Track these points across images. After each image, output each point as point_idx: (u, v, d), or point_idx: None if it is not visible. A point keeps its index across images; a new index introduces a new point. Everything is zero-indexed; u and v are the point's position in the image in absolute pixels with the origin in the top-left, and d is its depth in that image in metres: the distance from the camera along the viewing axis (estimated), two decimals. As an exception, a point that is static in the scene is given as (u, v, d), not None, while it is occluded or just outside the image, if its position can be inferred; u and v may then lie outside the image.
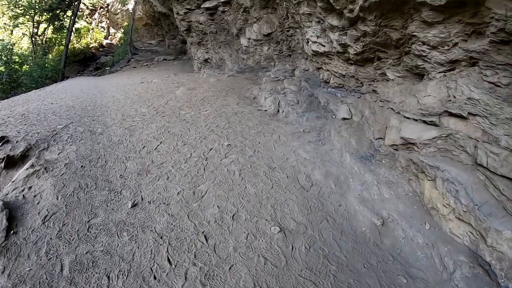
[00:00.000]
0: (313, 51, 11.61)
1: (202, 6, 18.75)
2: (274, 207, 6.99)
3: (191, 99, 13.71)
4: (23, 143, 8.57)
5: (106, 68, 29.18)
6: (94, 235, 5.71)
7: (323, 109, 11.80)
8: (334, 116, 11.08)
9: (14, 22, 30.29)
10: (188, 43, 24.24)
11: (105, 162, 8.24)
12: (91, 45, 37.54)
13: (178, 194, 7.14)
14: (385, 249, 6.19)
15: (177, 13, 20.65)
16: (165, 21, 29.77)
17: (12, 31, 32.49)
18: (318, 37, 11.06)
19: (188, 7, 19.69)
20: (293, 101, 12.42)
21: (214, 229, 6.17)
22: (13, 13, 30.19)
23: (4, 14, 31.56)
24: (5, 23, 32.02)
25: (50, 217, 5.96)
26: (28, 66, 26.82)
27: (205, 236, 5.94)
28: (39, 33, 33.45)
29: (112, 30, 41.75)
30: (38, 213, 6.04)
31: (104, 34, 41.91)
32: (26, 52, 29.19)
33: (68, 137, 9.44)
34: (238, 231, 6.15)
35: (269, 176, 8.13)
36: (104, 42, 39.45)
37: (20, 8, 29.38)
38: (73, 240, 5.53)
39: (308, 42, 11.86)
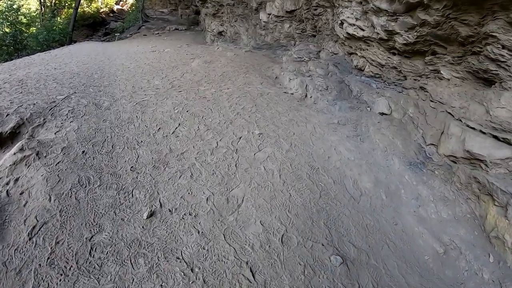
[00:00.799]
0: (347, 34, 10.05)
1: None
2: (327, 225, 5.40)
3: (209, 74, 11.82)
4: (14, 117, 6.78)
5: (116, 34, 27.12)
6: (98, 262, 3.99)
7: (356, 99, 10.21)
8: (369, 109, 9.65)
9: None
10: (202, 14, 22.51)
11: (112, 147, 6.41)
12: (102, 10, 35.19)
13: (207, 200, 5.37)
14: (448, 283, 5.08)
15: None
16: (179, -11, 27.50)
17: None
18: (357, 19, 9.41)
19: None
20: (321, 86, 10.78)
21: (260, 258, 4.46)
22: None
23: None
24: None
25: (39, 229, 4.25)
26: (35, 28, 24.81)
27: (250, 269, 4.25)
28: None
29: None
30: (25, 221, 4.33)
31: None
32: (34, 14, 26.98)
33: (69, 111, 7.62)
34: (291, 262, 4.51)
35: (313, 180, 6.47)
36: (115, 7, 36.96)
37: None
38: (70, 269, 3.82)
39: (342, 23, 10.25)
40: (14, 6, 22.28)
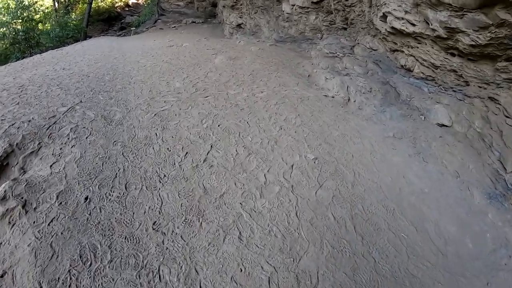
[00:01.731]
0: (392, 28, 8.25)
1: None
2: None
3: (236, 73, 9.94)
4: (2, 142, 5.02)
5: (132, 29, 25.09)
6: None
7: (405, 105, 8.30)
8: (423, 118, 7.81)
9: None
10: (220, 6, 20.74)
11: (126, 187, 4.51)
12: (117, 5, 32.89)
13: (269, 282, 3.50)
14: None
15: None
16: (195, -19, 25.43)
17: None
18: (406, 12, 7.54)
19: None
20: (364, 88, 8.90)
21: None
22: None
23: None
24: None
25: None
26: (49, 25, 22.97)
27: None
28: None
29: None
30: None
31: None
32: (47, 10, 24.95)
33: (71, 129, 5.75)
34: None
35: (395, 231, 4.63)
36: (130, 1, 34.52)
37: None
38: None
39: (385, 16, 8.45)
40: (26, 3, 20.23)
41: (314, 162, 5.62)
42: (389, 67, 9.50)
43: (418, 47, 7.90)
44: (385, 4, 8.21)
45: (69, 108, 6.57)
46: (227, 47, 13.93)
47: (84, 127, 5.84)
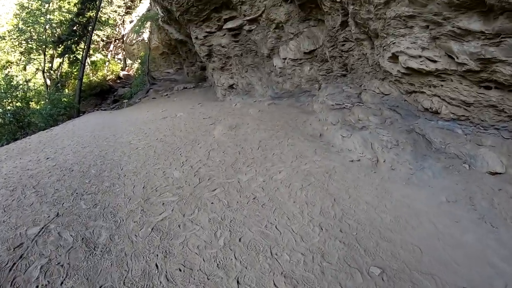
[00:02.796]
0: (407, 69, 6.81)
1: (224, 27, 14.23)
2: None
3: (242, 147, 8.28)
4: None
5: (124, 101, 23.55)
6: None
7: (442, 154, 6.64)
8: (467, 167, 6.17)
9: (26, 58, 24.54)
10: (210, 69, 18.98)
11: None
12: (108, 78, 31.48)
13: None
14: None
15: (196, 38, 15.91)
16: (182, 48, 24.24)
17: (25, 67, 26.78)
18: (423, 49, 6.13)
19: (208, 30, 15.00)
20: (390, 141, 7.31)
21: None
22: (23, 49, 24.61)
23: (15, 48, 25.84)
24: (18, 59, 26.25)
25: None
26: (42, 103, 21.33)
27: None
28: (54, 67, 27.86)
29: (128, 61, 35.21)
30: None
31: (121, 65, 35.73)
32: (39, 88, 23.36)
33: (41, 268, 3.92)
34: None
35: None
36: (121, 73, 33.19)
37: (30, 43, 23.72)
38: None
39: (395, 57, 7.00)
40: (13, 83, 18.59)
41: (383, 279, 3.64)
42: (409, 112, 7.90)
43: (442, 86, 6.51)
44: (394, 43, 6.76)
45: (42, 228, 4.70)
46: (223, 112, 12.46)
47: (58, 263, 3.91)
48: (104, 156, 8.54)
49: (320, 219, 4.94)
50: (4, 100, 17.63)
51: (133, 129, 11.84)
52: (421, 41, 6.09)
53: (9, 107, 17.50)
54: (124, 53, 36.17)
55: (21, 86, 19.85)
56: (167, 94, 22.64)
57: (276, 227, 4.74)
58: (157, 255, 4.12)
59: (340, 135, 8.20)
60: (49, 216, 5.11)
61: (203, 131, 10.18)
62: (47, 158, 8.70)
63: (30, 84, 24.20)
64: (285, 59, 12.69)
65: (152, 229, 4.72)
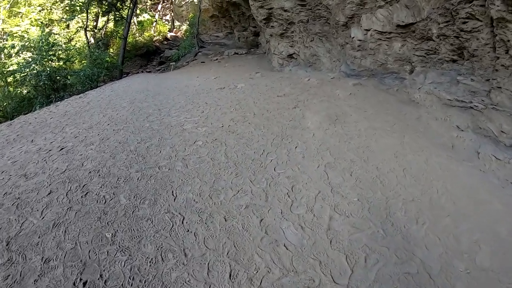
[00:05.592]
0: None
1: None
2: None
3: (377, 167, 4.69)
4: None
5: (171, 64, 19.72)
6: None
7: None
8: None
9: (69, 15, 20.61)
10: (266, 35, 15.08)
11: None
12: (155, 38, 27.02)
13: None
14: None
15: (254, 0, 12.33)
16: (235, 11, 20.40)
17: (68, 25, 22.98)
18: None
19: None
20: None
21: None
22: (66, 6, 20.76)
23: (57, 6, 21.97)
24: (60, 16, 22.35)
25: None
26: (84, 62, 17.66)
27: None
28: (99, 26, 24.07)
29: (176, 23, 30.47)
30: None
31: (168, 27, 31.37)
32: (80, 48, 19.25)
33: None
34: None
35: None
36: (169, 35, 28.75)
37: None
38: None
39: None
40: (50, 40, 14.80)
41: None
42: None
43: None
44: None
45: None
46: (299, 89, 8.90)
47: None
48: (143, 157, 5.00)
49: None
50: (43, 60, 13.96)
51: (184, 103, 8.17)
52: None
53: (37, 67, 13.80)
54: (172, 14, 31.85)
55: (60, 45, 16.01)
56: (217, 59, 18.62)
57: None
58: None
59: (490, 155, 4.94)
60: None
61: (288, 119, 6.46)
62: (61, 150, 5.37)
63: (73, 43, 20.48)
64: (368, 30, 9.04)
65: None
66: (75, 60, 17.09)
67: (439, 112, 6.31)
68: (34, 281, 2.52)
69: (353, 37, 9.70)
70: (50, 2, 21.49)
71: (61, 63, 14.74)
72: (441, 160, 4.77)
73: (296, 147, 5.15)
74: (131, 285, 2.49)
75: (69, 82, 14.50)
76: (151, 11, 31.21)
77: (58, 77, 13.82)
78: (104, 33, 23.00)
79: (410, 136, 5.58)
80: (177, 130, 6.00)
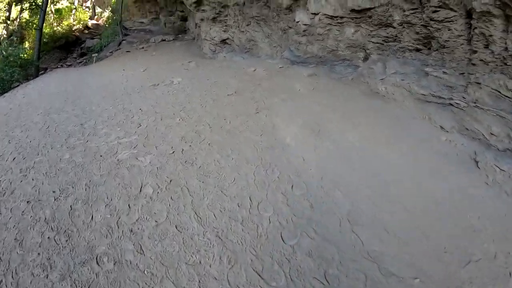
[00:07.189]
0: None
1: None
2: None
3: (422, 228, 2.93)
4: None
5: (93, 55, 16.27)
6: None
7: None
8: None
9: None
10: (196, 19, 12.93)
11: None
12: (75, 28, 22.41)
13: None
14: None
15: None
16: (161, -5, 16.84)
17: None
18: None
19: None
20: None
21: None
22: None
23: None
24: None
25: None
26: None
27: None
28: (13, 17, 19.68)
29: (98, 10, 25.99)
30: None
31: (89, 14, 26.53)
32: None
33: None
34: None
35: None
36: (90, 23, 24.07)
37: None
38: None
39: None
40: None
41: None
42: None
43: None
44: None
45: None
46: (248, 82, 7.12)
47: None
48: (66, 237, 2.96)
49: None
50: None
51: (112, 110, 6.04)
52: None
53: None
54: (93, 0, 27.45)
55: None
56: (143, 47, 15.77)
57: None
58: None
59: (492, 165, 3.71)
60: None
61: (257, 133, 4.65)
62: None
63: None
64: (316, 14, 7.51)
65: None
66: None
67: (416, 110, 5.08)
68: None
69: (297, 21, 8.17)
70: None
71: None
72: (447, 176, 3.51)
73: (292, 185, 3.32)
74: None
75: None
76: (70, -3, 26.57)
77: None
78: (18, 25, 18.75)
79: (413, 150, 4.16)
80: (110, 164, 3.89)
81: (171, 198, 3.20)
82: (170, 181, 3.48)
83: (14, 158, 4.39)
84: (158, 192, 3.29)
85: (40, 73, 13.98)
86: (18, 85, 11.70)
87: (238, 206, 3.12)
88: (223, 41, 11.53)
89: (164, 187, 3.38)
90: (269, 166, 3.76)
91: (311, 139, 4.28)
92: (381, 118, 4.93)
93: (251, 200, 3.19)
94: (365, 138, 4.28)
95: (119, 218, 2.98)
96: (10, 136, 5.31)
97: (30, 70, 13.59)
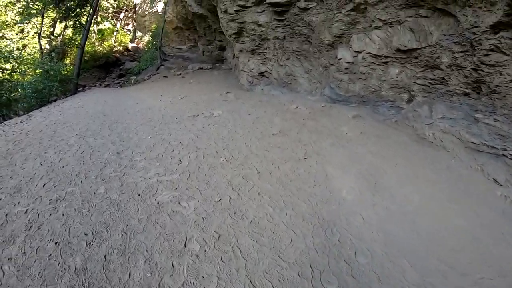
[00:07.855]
0: None
1: (267, 1, 8.66)
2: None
3: None
4: None
5: (132, 77, 16.47)
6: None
7: None
8: None
9: (23, 18, 16.68)
10: (235, 50, 12.43)
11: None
12: (115, 49, 23.54)
13: None
14: None
15: (225, 12, 10.13)
16: (201, 24, 17.22)
17: (22, 29, 18.93)
18: None
19: (243, 3, 9.27)
20: None
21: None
22: (21, 7, 16.81)
23: (10, 7, 17.82)
24: (14, 19, 18.24)
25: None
26: (38, 73, 13.34)
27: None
28: (57, 33, 20.24)
29: (138, 34, 26.46)
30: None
31: (130, 37, 27.21)
32: (29, 57, 14.69)
33: None
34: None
35: None
36: (130, 45, 24.70)
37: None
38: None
39: None
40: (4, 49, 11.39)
41: None
42: None
43: None
44: None
45: None
46: (296, 123, 6.64)
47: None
48: (90, 275, 2.41)
49: None
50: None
51: (151, 140, 5.73)
52: None
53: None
54: (134, 24, 27.96)
55: (10, 51, 12.55)
56: (180, 73, 15.79)
57: None
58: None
59: None
60: None
61: (309, 183, 4.21)
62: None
63: (28, 50, 16.81)
64: (359, 52, 7.20)
65: None
66: (26, 70, 13.51)
67: (467, 159, 4.69)
68: None
69: (340, 59, 7.86)
70: (3, 2, 17.44)
71: (5, 74, 11.31)
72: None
73: (355, 252, 2.80)
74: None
75: (16, 97, 11.13)
76: (113, 19, 27.39)
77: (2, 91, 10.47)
78: (61, 41, 19.26)
79: (469, 206, 3.68)
80: (150, 207, 3.46)
81: (221, 259, 2.72)
82: (219, 236, 3.01)
83: (45, 185, 4.04)
84: (205, 250, 2.82)
85: (78, 89, 14.10)
86: (55, 99, 11.76)
87: (299, 275, 2.61)
88: (261, 74, 11.26)
89: (212, 243, 2.91)
90: (327, 225, 3.26)
91: (368, 194, 3.78)
92: (436, 170, 4.48)
93: (312, 269, 2.68)
94: (424, 195, 3.78)
95: (162, 279, 2.51)
96: (42, 157, 5.02)
97: (69, 86, 13.75)
